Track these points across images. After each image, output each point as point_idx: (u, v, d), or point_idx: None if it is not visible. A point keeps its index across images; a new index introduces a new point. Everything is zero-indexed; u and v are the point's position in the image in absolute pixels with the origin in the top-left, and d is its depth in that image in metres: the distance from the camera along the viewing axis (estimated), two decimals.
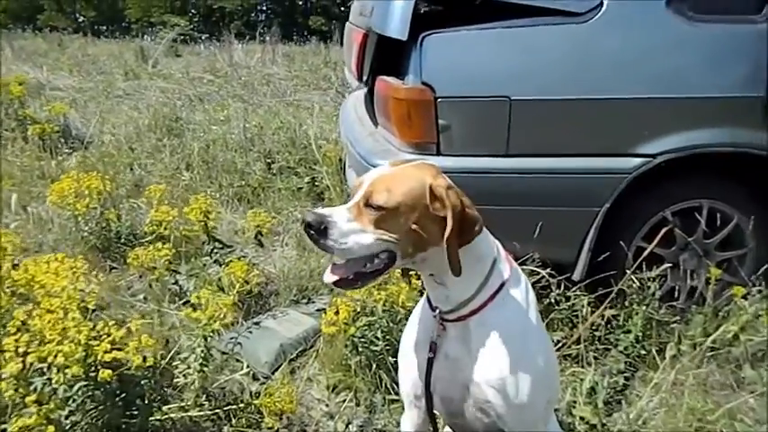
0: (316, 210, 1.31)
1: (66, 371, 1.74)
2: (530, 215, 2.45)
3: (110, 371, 1.77)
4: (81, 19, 32.40)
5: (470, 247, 1.33)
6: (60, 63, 10.58)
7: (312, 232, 1.27)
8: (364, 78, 2.86)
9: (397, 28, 2.35)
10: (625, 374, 2.34)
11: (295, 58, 11.55)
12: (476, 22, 2.37)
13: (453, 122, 2.38)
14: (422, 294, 1.55)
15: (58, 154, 4.89)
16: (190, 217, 2.87)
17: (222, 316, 2.16)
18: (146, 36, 15.15)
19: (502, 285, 1.40)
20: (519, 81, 2.38)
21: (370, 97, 3.31)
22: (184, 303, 2.64)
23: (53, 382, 1.75)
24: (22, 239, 3.35)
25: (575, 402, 2.19)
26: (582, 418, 2.09)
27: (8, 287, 2.11)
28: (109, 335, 1.79)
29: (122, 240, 3.39)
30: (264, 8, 34.90)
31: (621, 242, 2.51)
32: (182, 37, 15.51)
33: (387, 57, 2.66)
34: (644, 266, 2.45)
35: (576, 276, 2.55)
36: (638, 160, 2.39)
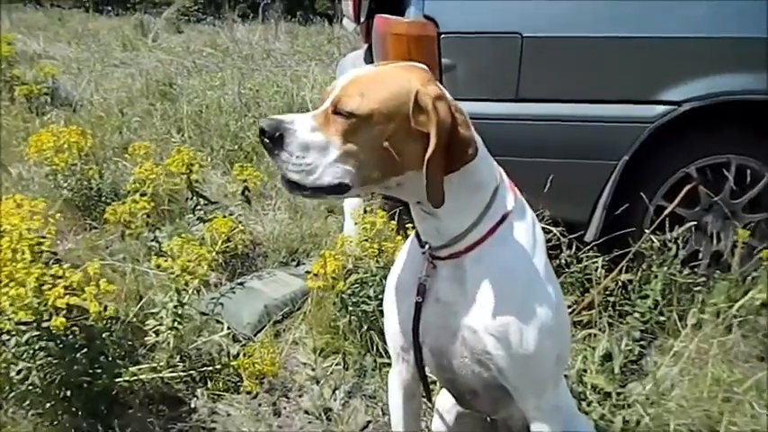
0: (275, 115, 1.08)
1: (13, 317, 1.53)
2: (540, 167, 2.23)
3: (63, 319, 1.57)
4: None
5: (467, 171, 1.10)
6: (59, 36, 10.35)
7: (267, 141, 1.04)
8: (362, 19, 2.63)
9: None
10: (641, 342, 2.12)
11: (298, 35, 11.26)
12: None
13: (458, 62, 2.15)
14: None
15: (45, 115, 4.68)
16: (171, 168, 2.66)
17: (198, 268, 1.96)
18: (147, 13, 14.86)
19: (504, 218, 1.17)
20: (532, 15, 2.15)
21: (370, 52, 3.09)
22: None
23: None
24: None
25: (585, 371, 1.98)
26: (594, 387, 1.88)
27: None
28: (63, 278, 1.58)
29: (103, 199, 3.19)
30: None
31: (639, 200, 2.28)
32: (185, 17, 15.26)
33: None
34: (665, 228, 2.22)
35: (589, 236, 2.33)
36: (660, 108, 2.16)
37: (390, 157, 1.05)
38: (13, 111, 4.73)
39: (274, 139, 1.03)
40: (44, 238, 1.77)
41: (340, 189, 1.08)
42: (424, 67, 1.14)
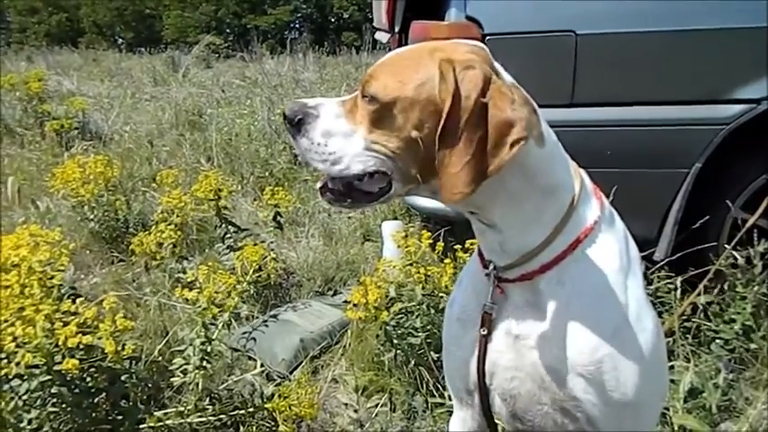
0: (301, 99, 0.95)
1: (20, 360, 1.36)
2: (601, 178, 1.96)
3: (75, 361, 1.39)
4: (120, 41, 33.22)
5: (533, 171, 0.91)
6: (93, 75, 10.56)
7: (289, 126, 0.94)
8: (396, 27, 2.46)
9: None
10: (729, 374, 1.85)
11: (326, 65, 11.29)
12: None
13: (505, 65, 1.95)
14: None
15: (74, 149, 4.64)
16: (198, 195, 2.50)
17: (228, 300, 1.77)
18: (178, 50, 15.18)
19: (589, 231, 0.96)
20: (587, 12, 1.95)
21: None
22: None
23: (5, 374, 1.38)
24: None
25: (667, 408, 1.72)
26: (683, 428, 1.62)
27: None
28: (74, 315, 1.41)
29: (130, 230, 3.06)
30: (297, 25, 35.18)
31: (716, 212, 2.03)
32: (215, 54, 15.51)
33: (421, 1, 2.27)
34: (747, 242, 1.96)
35: (659, 254, 2.08)
36: (737, 108, 1.93)
37: (424, 152, 0.87)
38: (43, 145, 4.71)
39: (296, 124, 0.94)
40: (58, 271, 1.61)
41: (381, 191, 0.94)
42: (472, 43, 0.94)
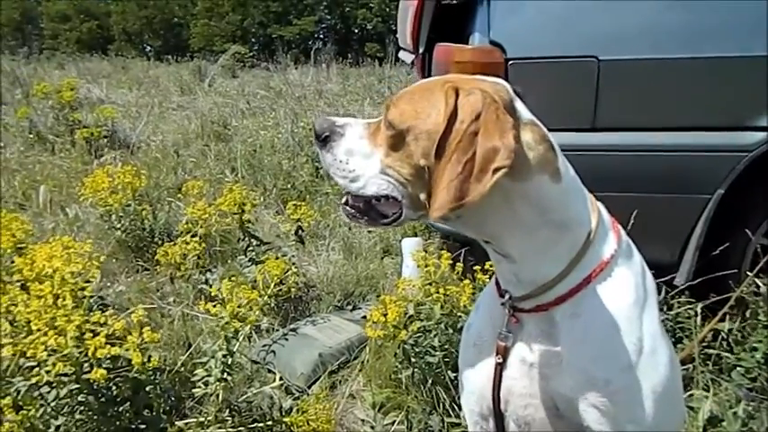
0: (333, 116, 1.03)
1: (51, 368, 1.41)
2: (622, 203, 1.96)
3: (104, 371, 1.43)
4: (148, 48, 33.80)
5: (546, 205, 0.93)
6: (122, 83, 10.76)
7: (317, 140, 1.02)
8: (420, 49, 2.50)
9: None
10: (751, 404, 1.83)
11: (349, 76, 11.38)
12: None
13: (527, 90, 1.97)
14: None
15: (103, 157, 4.75)
16: (222, 208, 2.56)
17: (250, 314, 1.81)
18: (205, 60, 15.43)
19: (606, 263, 0.97)
20: (610, 38, 1.96)
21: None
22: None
23: (36, 382, 1.43)
24: (52, 237, 3.16)
25: None
26: None
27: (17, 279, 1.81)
28: (103, 325, 1.46)
29: (156, 240, 3.12)
30: (321, 36, 35.48)
31: (738, 238, 2.02)
32: (240, 63, 15.71)
33: (446, 24, 2.30)
34: None
35: (680, 280, 2.07)
36: (760, 135, 1.92)
37: (430, 180, 0.91)
38: (73, 153, 4.82)
39: (323, 140, 1.01)
40: (88, 282, 1.66)
41: (393, 215, 0.99)
42: (494, 80, 0.97)
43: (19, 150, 5.13)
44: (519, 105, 0.95)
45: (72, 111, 5.34)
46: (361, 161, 0.98)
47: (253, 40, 33.25)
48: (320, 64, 12.79)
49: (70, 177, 4.33)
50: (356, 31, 35.93)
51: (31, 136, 5.27)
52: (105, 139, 5.03)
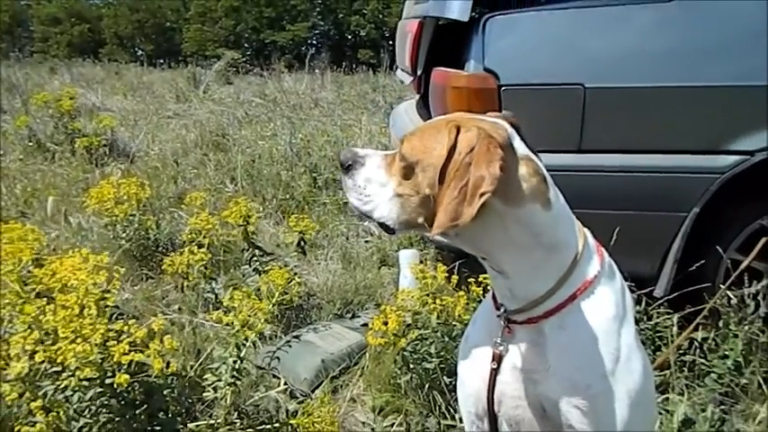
0: (356, 147, 1.19)
1: (78, 373, 1.53)
2: (605, 219, 2.14)
3: (127, 376, 1.55)
4: (140, 53, 33.79)
5: (540, 229, 1.06)
6: (116, 89, 10.84)
7: (342, 168, 1.18)
8: (419, 71, 2.64)
9: (458, 9, 2.13)
10: (722, 407, 1.98)
11: (343, 84, 11.52)
12: (545, 2, 2.12)
13: (519, 114, 2.12)
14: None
15: (104, 166, 4.84)
16: (228, 220, 2.68)
17: (257, 323, 1.93)
18: (198, 66, 15.50)
19: (590, 282, 1.11)
20: (595, 66, 2.11)
21: (423, 102, 3.10)
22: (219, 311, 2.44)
23: (64, 386, 1.55)
24: (59, 246, 3.26)
25: None
26: None
27: (33, 289, 1.93)
28: (127, 334, 1.57)
29: (160, 249, 3.24)
30: (314, 42, 35.67)
31: (713, 253, 2.17)
32: (233, 68, 15.80)
33: (443, 48, 2.45)
34: (744, 282, 2.10)
35: (658, 291, 2.22)
36: (732, 158, 2.07)
37: (433, 208, 1.04)
38: (73, 162, 4.91)
39: (346, 168, 1.16)
40: (108, 292, 1.78)
41: (386, 228, 1.14)
42: (494, 120, 1.10)
43: (18, 159, 5.22)
44: (517, 143, 1.08)
45: (71, 119, 5.43)
46: (377, 188, 1.12)
47: (246, 45, 33.33)
48: (314, 70, 12.93)
49: (71, 186, 4.43)
50: (349, 37, 36.10)
51: (31, 144, 5.35)
52: (105, 148, 5.12)
